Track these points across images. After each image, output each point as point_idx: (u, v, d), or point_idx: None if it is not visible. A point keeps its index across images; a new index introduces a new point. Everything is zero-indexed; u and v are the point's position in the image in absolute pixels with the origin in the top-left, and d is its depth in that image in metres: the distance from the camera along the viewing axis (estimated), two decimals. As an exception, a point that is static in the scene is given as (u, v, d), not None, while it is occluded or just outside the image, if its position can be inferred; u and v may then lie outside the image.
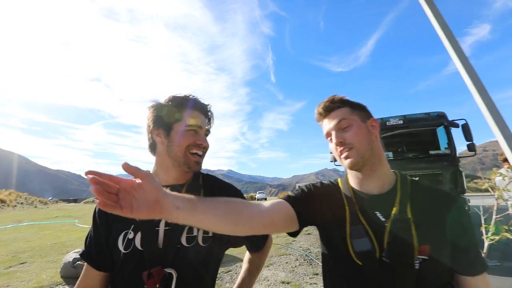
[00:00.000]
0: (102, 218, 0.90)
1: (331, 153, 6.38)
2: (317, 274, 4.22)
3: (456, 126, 5.47)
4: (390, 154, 6.36)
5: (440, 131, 5.98)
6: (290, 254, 5.59)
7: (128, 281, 0.82)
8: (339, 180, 0.98)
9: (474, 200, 5.14)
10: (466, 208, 0.80)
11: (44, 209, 23.23)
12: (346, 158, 0.83)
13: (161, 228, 0.85)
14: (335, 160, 6.45)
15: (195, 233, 0.87)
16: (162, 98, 0.98)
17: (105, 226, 0.89)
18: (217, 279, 0.96)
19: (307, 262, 4.99)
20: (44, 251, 6.46)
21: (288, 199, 0.90)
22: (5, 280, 4.40)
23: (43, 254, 6.22)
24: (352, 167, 0.83)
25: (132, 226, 0.85)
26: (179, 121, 0.92)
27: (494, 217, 1.78)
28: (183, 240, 0.85)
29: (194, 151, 0.92)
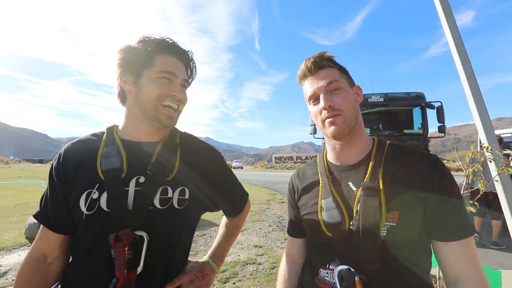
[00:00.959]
0: (60, 175, 0.78)
1: (311, 125, 6.49)
2: (288, 240, 4.46)
3: (432, 107, 5.71)
4: (368, 130, 6.56)
5: (416, 112, 6.21)
6: (263, 220, 5.81)
7: (91, 245, 0.73)
8: (318, 155, 0.97)
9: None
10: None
11: (5, 168, 21.77)
12: (331, 124, 0.78)
13: (131, 188, 0.76)
14: (315, 133, 6.57)
15: (170, 195, 0.80)
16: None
17: (64, 184, 0.77)
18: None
19: (279, 228, 5.23)
20: (6, 212, 6.13)
21: (294, 234, 0.97)
22: (-38, 240, 4.16)
23: (5, 214, 5.90)
24: (336, 135, 0.79)
25: (97, 185, 0.75)
26: (151, 67, 0.79)
27: (462, 192, 1.88)
28: (156, 202, 0.77)
29: (166, 103, 0.79)
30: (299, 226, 0.93)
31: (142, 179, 0.78)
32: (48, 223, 0.78)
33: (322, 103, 0.78)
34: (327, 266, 0.77)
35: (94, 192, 0.75)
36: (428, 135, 5.90)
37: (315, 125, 6.62)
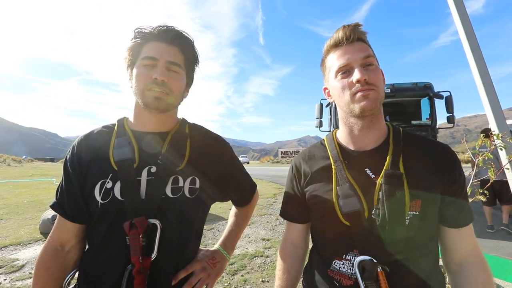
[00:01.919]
0: (74, 167, 0.80)
1: (317, 118, 6.43)
2: (296, 233, 4.48)
3: (441, 97, 5.58)
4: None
5: (424, 102, 6.08)
6: (270, 214, 5.85)
7: (107, 233, 0.76)
8: (325, 138, 0.92)
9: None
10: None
11: (18, 167, 22.35)
12: (364, 98, 0.72)
13: (143, 177, 0.78)
14: (321, 126, 6.51)
15: (181, 184, 0.81)
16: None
17: (78, 175, 0.80)
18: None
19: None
20: (20, 209, 6.32)
21: (290, 218, 0.93)
22: (-20, 236, 4.32)
23: (20, 211, 6.08)
24: (366, 110, 0.72)
25: (110, 175, 0.77)
26: (139, 57, 0.80)
27: (471, 181, 1.86)
28: (168, 191, 0.79)
29: (150, 87, 0.78)
30: (301, 212, 0.89)
31: (153, 169, 0.79)
32: (64, 213, 0.80)
33: (357, 75, 0.71)
34: (344, 257, 0.74)
35: (108, 182, 0.76)
36: (437, 126, 5.78)
37: (321, 118, 6.57)
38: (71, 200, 0.80)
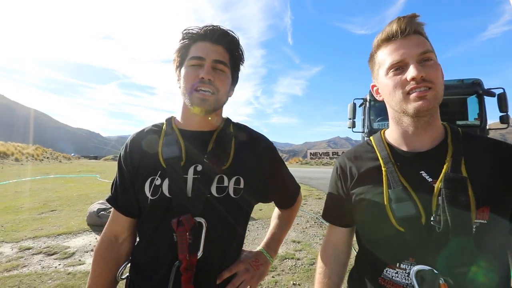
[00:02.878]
0: (127, 164, 0.86)
1: (350, 119, 6.19)
2: (327, 236, 4.36)
3: (493, 95, 5.05)
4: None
5: (471, 100, 5.55)
6: (301, 216, 5.76)
7: (156, 228, 0.79)
8: (371, 138, 0.86)
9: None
10: None
11: (68, 164, 24.76)
12: (420, 98, 0.66)
13: (190, 176, 0.80)
14: (354, 126, 6.26)
15: (225, 183, 0.82)
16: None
17: (131, 172, 0.85)
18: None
19: (317, 224, 5.14)
20: (71, 201, 6.98)
21: (333, 220, 0.91)
22: (39, 224, 4.84)
23: (71, 203, 6.72)
24: (421, 112, 0.67)
25: (159, 172, 0.80)
26: (187, 57, 0.83)
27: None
28: (213, 190, 0.80)
29: (198, 87, 0.79)
30: (346, 215, 0.85)
31: (199, 168, 0.81)
32: (118, 207, 0.86)
33: (413, 72, 0.65)
34: (398, 265, 0.69)
35: (157, 179, 0.80)
36: (487, 127, 5.24)
37: (354, 118, 6.32)
38: (123, 195, 0.86)
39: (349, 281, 0.86)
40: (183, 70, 0.83)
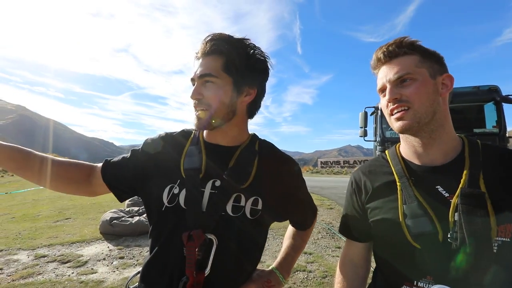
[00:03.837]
0: (144, 155, 0.85)
1: (361, 127, 6.11)
2: (339, 248, 4.24)
3: (511, 101, 4.87)
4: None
5: (488, 107, 5.37)
6: (312, 227, 5.65)
7: (167, 239, 0.78)
8: (386, 152, 0.86)
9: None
10: None
11: (82, 172, 25.44)
12: (398, 119, 0.71)
13: (207, 190, 0.78)
14: (366, 135, 6.16)
15: (242, 203, 0.78)
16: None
17: (141, 162, 0.85)
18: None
19: (329, 235, 5.01)
20: (85, 209, 7.13)
21: (350, 235, 0.90)
22: (54, 232, 4.96)
23: (84, 212, 6.86)
24: (403, 131, 0.72)
25: (178, 181, 0.79)
26: None
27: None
28: (229, 209, 0.77)
29: (195, 108, 0.80)
30: (363, 230, 0.84)
31: (218, 183, 0.78)
32: (104, 171, 0.87)
33: (386, 95, 0.73)
34: (415, 283, 0.67)
35: (176, 188, 0.79)
36: (506, 134, 5.04)
37: (365, 127, 6.23)
38: (115, 166, 0.86)
39: None
40: None
